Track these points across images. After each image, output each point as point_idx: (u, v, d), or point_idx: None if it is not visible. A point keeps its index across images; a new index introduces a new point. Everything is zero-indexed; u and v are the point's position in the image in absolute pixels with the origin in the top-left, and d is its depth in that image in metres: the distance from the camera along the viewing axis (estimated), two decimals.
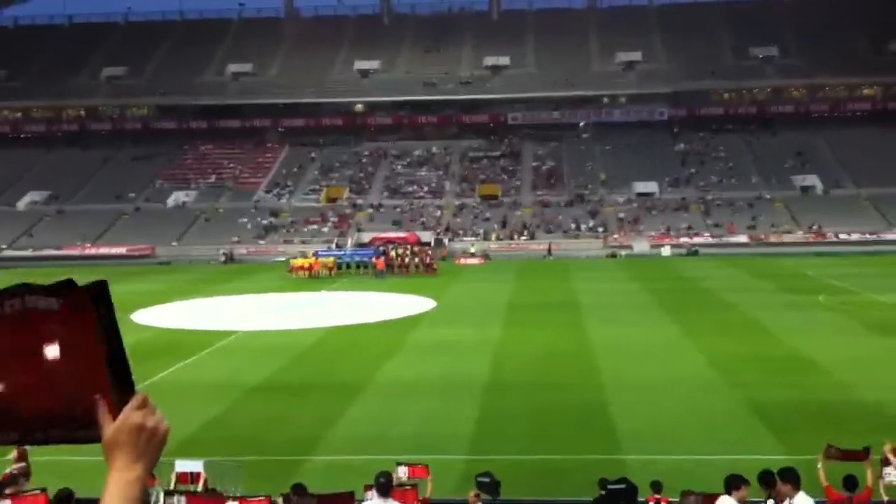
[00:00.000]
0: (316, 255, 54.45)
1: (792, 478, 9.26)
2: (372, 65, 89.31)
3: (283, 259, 57.54)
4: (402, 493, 10.64)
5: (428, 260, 52.32)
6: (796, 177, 73.69)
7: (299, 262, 51.27)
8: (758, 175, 74.25)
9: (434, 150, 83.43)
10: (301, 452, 16.18)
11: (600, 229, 68.20)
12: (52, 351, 1.50)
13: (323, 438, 17.10)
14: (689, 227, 67.08)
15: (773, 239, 63.96)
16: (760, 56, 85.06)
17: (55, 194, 77.00)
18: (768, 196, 71.06)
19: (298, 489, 10.61)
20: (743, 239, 64.39)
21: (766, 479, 9.34)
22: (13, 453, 11.61)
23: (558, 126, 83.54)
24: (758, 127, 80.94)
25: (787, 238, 64.09)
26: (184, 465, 11.61)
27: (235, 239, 67.59)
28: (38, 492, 9.57)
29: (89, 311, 1.48)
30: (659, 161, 77.02)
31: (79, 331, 1.48)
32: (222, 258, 61.75)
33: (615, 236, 66.03)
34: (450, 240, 66.28)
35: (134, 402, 1.54)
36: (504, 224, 70.05)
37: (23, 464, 11.34)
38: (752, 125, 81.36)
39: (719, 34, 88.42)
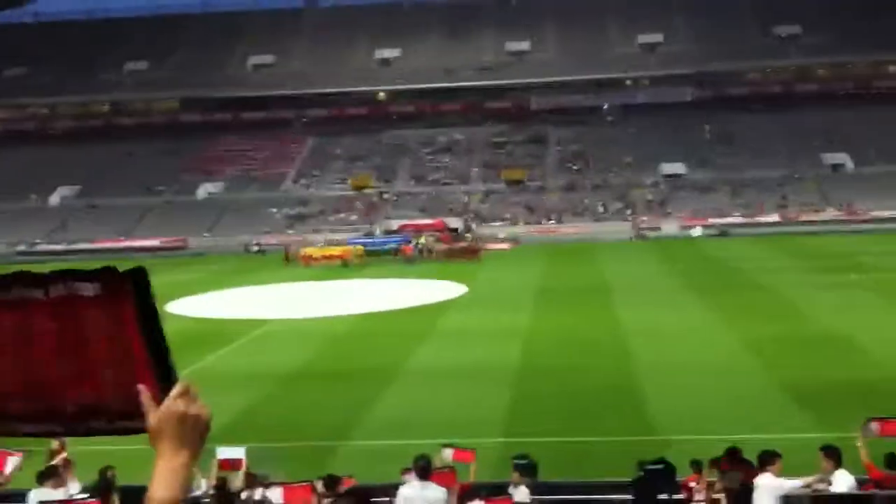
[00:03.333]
0: (347, 243, 54.74)
1: (833, 454, 9.27)
2: (393, 53, 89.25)
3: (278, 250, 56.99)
4: (441, 476, 10.70)
5: (471, 245, 52.34)
6: (825, 155, 72.86)
7: (310, 251, 51.48)
8: (786, 154, 73.47)
9: (458, 136, 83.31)
10: (337, 438, 16.35)
11: (628, 212, 67.88)
12: (94, 340, 1.50)
13: (358, 424, 17.25)
14: (719, 208, 66.59)
15: (803, 218, 63.32)
16: (784, 35, 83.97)
17: (85, 189, 77.84)
18: (797, 175, 70.34)
19: (330, 480, 10.66)
20: (773, 218, 63.79)
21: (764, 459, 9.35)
22: (54, 444, 11.71)
23: (582, 109, 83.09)
24: (784, 106, 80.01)
25: (818, 216, 63.41)
26: (225, 452, 11.74)
27: (266, 229, 68.00)
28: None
29: (130, 298, 1.48)
30: (685, 142, 76.40)
31: (120, 318, 1.49)
32: (255, 248, 62.12)
33: (643, 218, 65.70)
34: (477, 225, 66.29)
35: (177, 390, 1.56)
36: (531, 209, 69.91)
37: (64, 455, 11.44)
38: (779, 104, 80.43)
39: (742, 14, 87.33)
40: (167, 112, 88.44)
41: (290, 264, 50.38)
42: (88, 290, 1.47)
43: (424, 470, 9.47)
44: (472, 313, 30.17)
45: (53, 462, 10.77)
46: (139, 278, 1.49)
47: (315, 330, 28.23)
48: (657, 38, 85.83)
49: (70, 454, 11.42)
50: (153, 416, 1.54)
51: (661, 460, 11.61)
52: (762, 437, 14.40)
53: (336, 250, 51.75)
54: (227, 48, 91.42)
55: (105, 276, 1.48)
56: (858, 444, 10.58)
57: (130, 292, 1.48)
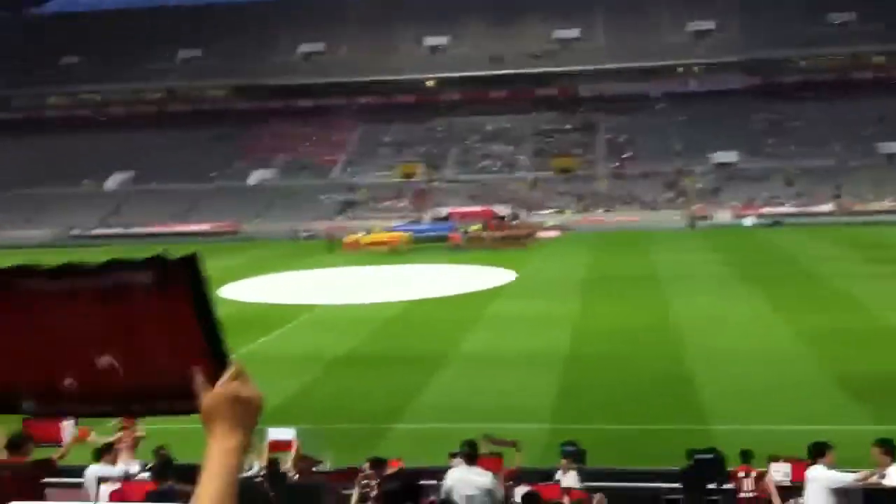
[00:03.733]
0: (394, 228, 55.00)
1: (888, 448, 9.12)
2: (441, 41, 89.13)
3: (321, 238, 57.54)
4: (488, 461, 10.73)
5: (519, 232, 52.28)
6: (880, 144, 71.25)
7: (353, 238, 51.75)
8: (840, 143, 72.02)
9: (506, 124, 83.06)
10: (386, 421, 16.48)
11: (679, 200, 67.14)
12: (146, 324, 1.51)
13: (406, 408, 17.36)
14: (772, 197, 65.52)
15: (858, 208, 62.06)
16: (837, 22, 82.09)
17: (139, 175, 79.14)
18: (852, 164, 68.92)
19: (377, 462, 10.74)
20: (828, 208, 62.61)
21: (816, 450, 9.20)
22: (123, 421, 11.92)
23: (632, 97, 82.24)
24: (838, 94, 78.31)
25: (873, 206, 62.10)
26: (276, 433, 11.92)
27: (315, 216, 68.53)
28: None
29: (182, 284, 1.48)
30: (737, 130, 75.26)
31: (172, 303, 1.48)
32: (304, 234, 62.63)
33: (695, 207, 64.94)
34: (527, 214, 66.08)
35: (230, 372, 1.56)
36: (580, 197, 69.50)
37: (137, 433, 11.61)
38: (832, 92, 78.75)
39: (794, 1, 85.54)
40: (219, 99, 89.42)
41: (332, 252, 50.66)
42: (140, 278, 1.49)
43: (471, 455, 9.51)
44: (520, 300, 30.13)
45: (115, 439, 10.98)
46: (192, 264, 1.49)
47: (364, 315, 28.43)
48: (708, 25, 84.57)
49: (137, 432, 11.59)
50: (206, 398, 1.54)
51: (711, 450, 11.53)
52: (815, 429, 14.18)
53: (381, 237, 51.94)
54: (278, 36, 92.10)
55: (156, 264, 1.49)
56: None
57: (183, 279, 1.48)
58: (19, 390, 1.59)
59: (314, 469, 12.23)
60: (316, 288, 36.15)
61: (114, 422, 12.03)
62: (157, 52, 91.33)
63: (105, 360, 1.53)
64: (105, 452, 10.26)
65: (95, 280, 1.50)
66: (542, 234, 56.26)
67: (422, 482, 9.58)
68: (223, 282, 35.81)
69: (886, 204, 62.61)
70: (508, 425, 14.43)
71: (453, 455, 10.42)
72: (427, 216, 65.98)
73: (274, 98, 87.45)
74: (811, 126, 75.46)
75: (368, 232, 53.97)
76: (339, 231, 57.06)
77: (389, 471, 10.33)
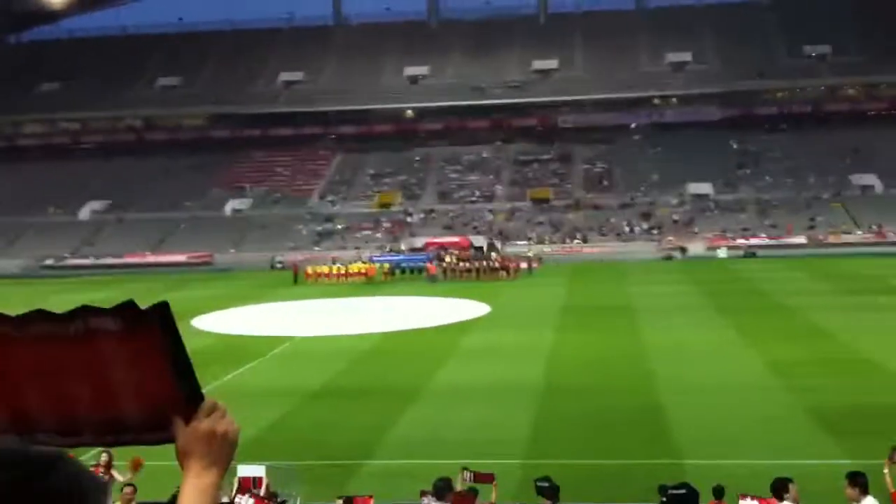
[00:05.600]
0: (370, 259, 55.02)
1: (860, 482, 9.13)
2: (421, 70, 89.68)
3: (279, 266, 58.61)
4: (461, 499, 10.67)
5: (507, 263, 52.20)
6: (854, 176, 72.20)
7: (318, 269, 52.43)
8: (815, 175, 72.90)
9: (485, 154, 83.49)
10: (359, 456, 16.33)
11: (654, 231, 67.59)
12: (117, 365, 1.52)
13: (380, 442, 17.24)
14: (746, 229, 66.12)
15: (832, 240, 62.71)
16: (814, 54, 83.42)
17: (115, 203, 78.69)
18: (826, 196, 69.74)
19: (348, 501, 10.68)
20: (801, 240, 63.22)
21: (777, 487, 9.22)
22: (103, 456, 12.03)
23: (609, 128, 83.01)
24: (813, 126, 79.43)
25: (846, 238, 62.78)
26: (246, 470, 11.83)
27: (291, 245, 68.37)
28: None
29: (152, 328, 1.50)
30: (713, 162, 76.05)
31: (143, 345, 1.50)
32: (279, 265, 62.42)
33: (669, 238, 65.36)
34: (502, 244, 66.26)
35: (204, 408, 1.56)
36: (556, 228, 69.80)
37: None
38: (808, 124, 79.85)
39: (771, 32, 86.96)
40: (197, 128, 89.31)
41: (297, 283, 50.48)
42: (110, 324, 1.50)
43: (442, 491, 9.46)
44: (495, 332, 30.13)
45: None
46: (161, 310, 1.50)
47: (338, 347, 28.31)
48: (685, 56, 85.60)
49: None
50: (181, 435, 1.54)
51: (684, 485, 11.50)
52: (787, 463, 14.24)
53: (347, 268, 52.27)
54: (258, 64, 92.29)
55: (126, 312, 1.50)
56: (885, 471, 10.45)
57: (153, 322, 1.50)
58: None
59: None
60: (291, 319, 36.00)
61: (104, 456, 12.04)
62: (136, 79, 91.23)
63: (79, 400, 1.54)
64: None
65: (65, 326, 1.51)
66: (522, 265, 56.40)
67: None
68: (197, 312, 35.56)
69: (860, 235, 63.34)
70: (483, 460, 14.35)
71: (424, 493, 10.36)
72: (403, 246, 65.99)
73: (252, 126, 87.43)
74: (786, 157, 76.39)
75: (334, 262, 54.26)
76: (312, 261, 57.00)
77: None
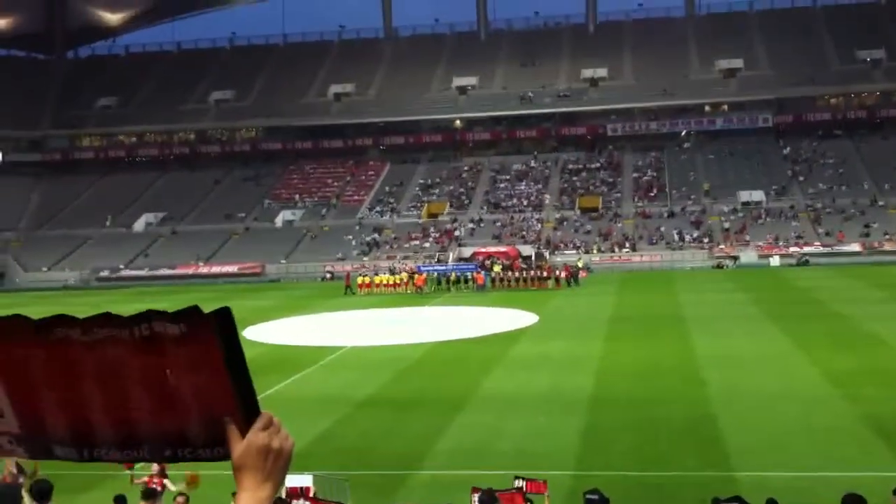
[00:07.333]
0: (418, 269, 55.21)
1: None
2: (470, 81, 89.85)
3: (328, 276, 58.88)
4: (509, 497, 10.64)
5: (557, 273, 51.95)
6: None
7: (368, 279, 52.83)
8: (869, 181, 71.43)
9: (533, 163, 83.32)
10: (407, 466, 16.33)
11: (705, 240, 66.78)
12: (178, 373, 1.53)
13: (428, 452, 17.22)
14: (799, 237, 65.00)
15: (887, 247, 61.34)
16: (867, 59, 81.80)
17: (169, 215, 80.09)
18: (881, 202, 68.28)
19: None
20: (855, 247, 61.96)
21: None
22: (154, 467, 12.21)
23: (658, 136, 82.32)
24: (867, 131, 77.83)
25: None
26: (293, 480, 11.90)
27: (341, 256, 68.89)
28: None
29: (214, 336, 1.50)
30: (764, 169, 74.97)
31: (204, 354, 1.51)
32: (327, 276, 62.97)
33: (721, 247, 64.50)
34: (551, 253, 65.98)
35: (260, 422, 1.56)
36: (605, 237, 69.34)
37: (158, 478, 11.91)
38: (862, 130, 78.27)
39: (823, 38, 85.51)
40: (249, 140, 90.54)
41: (350, 294, 50.84)
42: (173, 329, 1.51)
43: (487, 502, 9.44)
44: (543, 342, 29.99)
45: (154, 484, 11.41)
46: (224, 317, 1.51)
47: (387, 357, 28.40)
48: (737, 63, 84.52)
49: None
50: (237, 449, 1.55)
51: (737, 498, 11.33)
52: (842, 476, 13.95)
53: (397, 278, 52.48)
54: (309, 78, 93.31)
55: (189, 316, 1.51)
56: None
57: (215, 330, 1.51)
58: (55, 436, 1.63)
59: None
60: (340, 329, 36.24)
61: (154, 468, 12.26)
62: (190, 93, 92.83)
63: (137, 408, 1.56)
64: (147, 496, 10.56)
65: (129, 330, 1.53)
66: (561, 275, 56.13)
67: None
68: (249, 323, 35.99)
69: None
70: (532, 471, 14.28)
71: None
72: (452, 256, 66.07)
73: (304, 139, 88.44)
74: (840, 163, 74.98)
75: (376, 273, 54.59)
76: (362, 271, 57.35)
77: None
